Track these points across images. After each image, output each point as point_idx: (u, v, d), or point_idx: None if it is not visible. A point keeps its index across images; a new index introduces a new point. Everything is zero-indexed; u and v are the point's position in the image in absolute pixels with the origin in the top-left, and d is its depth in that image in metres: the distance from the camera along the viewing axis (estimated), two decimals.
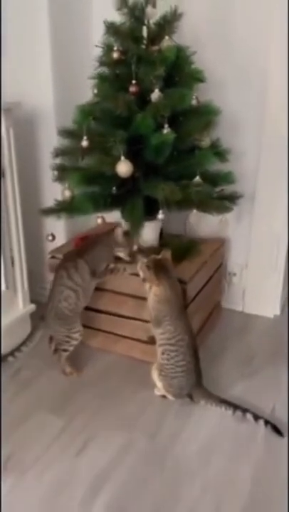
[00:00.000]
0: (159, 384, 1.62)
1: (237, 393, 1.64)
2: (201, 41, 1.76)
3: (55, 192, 1.94)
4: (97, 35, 1.69)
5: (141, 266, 1.56)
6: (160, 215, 1.61)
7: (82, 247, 1.74)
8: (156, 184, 1.58)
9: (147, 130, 1.52)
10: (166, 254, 1.59)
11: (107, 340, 1.90)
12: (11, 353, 1.70)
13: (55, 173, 1.83)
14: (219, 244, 2.06)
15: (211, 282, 1.98)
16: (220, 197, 1.79)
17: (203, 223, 2.02)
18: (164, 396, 1.64)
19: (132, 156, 1.56)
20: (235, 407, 1.54)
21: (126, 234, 1.69)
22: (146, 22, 1.62)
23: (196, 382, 1.58)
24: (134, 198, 1.66)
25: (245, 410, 1.52)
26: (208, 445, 1.44)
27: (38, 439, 1.45)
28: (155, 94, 1.54)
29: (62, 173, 1.79)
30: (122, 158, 1.53)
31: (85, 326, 1.85)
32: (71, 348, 1.73)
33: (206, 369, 1.62)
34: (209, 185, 1.67)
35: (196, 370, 1.58)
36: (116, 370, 1.80)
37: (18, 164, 1.78)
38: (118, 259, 1.74)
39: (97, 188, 1.66)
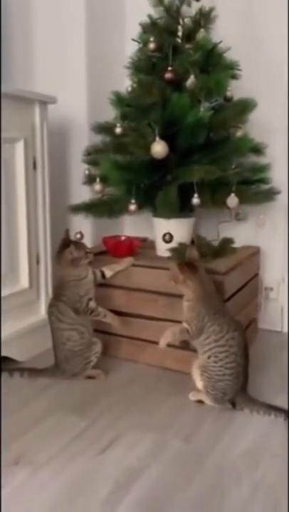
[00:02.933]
0: (199, 384, 1.42)
1: (281, 404, 1.40)
2: (232, 47, 1.79)
3: (83, 195, 1.92)
4: (131, 31, 1.76)
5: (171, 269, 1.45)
6: (195, 200, 1.52)
7: (56, 289, 1.61)
8: (191, 168, 1.52)
9: (183, 110, 1.50)
10: (193, 253, 1.47)
11: (133, 348, 1.72)
12: (12, 370, 1.58)
13: (86, 171, 1.81)
14: (254, 250, 1.94)
15: (246, 289, 1.83)
16: (256, 192, 1.71)
17: (236, 231, 1.95)
18: (200, 401, 1.43)
19: (166, 141, 1.53)
20: (287, 412, 1.33)
21: (77, 247, 1.54)
22: (181, 21, 1.67)
23: (241, 388, 1.39)
24: (168, 186, 1.60)
25: None
26: (255, 449, 1.21)
27: (56, 438, 1.25)
28: (190, 81, 1.54)
29: (94, 169, 1.76)
30: (157, 138, 1.49)
31: (105, 333, 1.72)
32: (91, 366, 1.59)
33: None
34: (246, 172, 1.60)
35: (244, 374, 1.39)
36: (144, 378, 1.61)
37: (50, 160, 1.78)
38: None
39: (130, 175, 1.60)
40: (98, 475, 1.11)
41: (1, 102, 1.50)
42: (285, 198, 1.93)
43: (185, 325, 1.42)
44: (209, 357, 1.37)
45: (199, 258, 1.46)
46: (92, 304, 1.57)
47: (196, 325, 1.39)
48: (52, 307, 1.57)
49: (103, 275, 1.64)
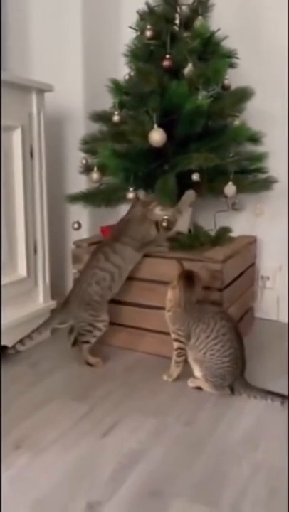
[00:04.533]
0: (197, 373, 1.44)
1: (278, 390, 1.41)
2: (230, 35, 1.78)
3: (80, 185, 1.91)
4: (128, 18, 1.75)
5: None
6: (195, 176, 1.53)
7: (116, 231, 1.65)
8: (189, 156, 1.53)
9: (181, 98, 1.50)
10: (202, 272, 1.50)
11: (132, 337, 1.73)
12: (20, 341, 1.55)
13: (83, 160, 1.80)
14: (251, 240, 1.96)
15: (243, 278, 1.84)
16: (253, 181, 1.72)
17: (233, 221, 1.96)
18: (199, 388, 1.45)
19: (164, 129, 1.53)
20: (284, 397, 1.35)
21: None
22: (178, 9, 1.67)
23: (239, 373, 1.40)
24: (167, 174, 1.60)
25: None
26: (254, 432, 1.23)
27: (56, 423, 1.26)
28: (188, 69, 1.54)
29: (91, 158, 1.76)
30: (155, 126, 1.49)
31: None
32: (93, 340, 1.59)
33: None
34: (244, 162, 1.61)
35: (241, 358, 1.40)
36: (143, 366, 1.62)
37: (46, 149, 1.77)
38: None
39: (128, 163, 1.60)
40: (100, 458, 1.12)
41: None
42: (285, 186, 1.94)
43: (174, 336, 1.47)
44: (205, 353, 1.39)
45: (203, 279, 1.49)
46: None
47: (184, 332, 1.43)
48: (105, 247, 1.59)
49: None
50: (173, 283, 1.46)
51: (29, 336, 1.56)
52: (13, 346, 1.55)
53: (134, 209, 1.64)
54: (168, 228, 1.60)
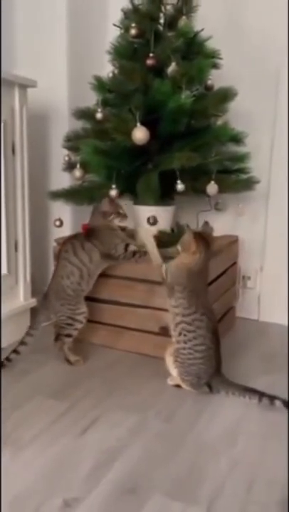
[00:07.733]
0: (173, 372, 1.44)
1: (259, 387, 1.42)
2: (214, 36, 1.79)
3: (63, 182, 1.90)
4: (113, 16, 1.75)
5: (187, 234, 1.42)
6: (179, 186, 1.53)
7: (90, 231, 1.62)
8: (172, 155, 1.53)
9: (165, 96, 1.50)
10: (208, 229, 1.48)
11: (111, 335, 1.73)
12: (14, 351, 1.53)
13: (66, 157, 1.79)
14: (233, 239, 1.97)
15: (225, 277, 1.86)
16: (236, 181, 1.74)
17: (215, 221, 1.96)
18: (178, 386, 1.45)
19: (147, 128, 1.53)
20: (261, 394, 1.36)
21: (111, 200, 1.59)
22: (163, 8, 1.67)
23: (215, 371, 1.40)
24: (149, 173, 1.60)
25: (273, 397, 1.34)
26: (232, 429, 1.24)
27: (37, 421, 1.25)
28: (172, 68, 1.55)
29: (74, 155, 1.75)
30: (138, 124, 1.49)
31: None
32: (75, 333, 1.58)
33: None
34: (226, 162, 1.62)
35: (216, 357, 1.41)
36: (123, 364, 1.62)
37: (29, 146, 1.75)
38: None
39: (111, 161, 1.60)
40: (79, 455, 1.11)
41: None
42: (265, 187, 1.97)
43: (164, 268, 1.45)
44: (180, 334, 1.39)
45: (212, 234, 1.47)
46: (133, 247, 1.60)
47: (171, 282, 1.42)
48: (75, 240, 1.58)
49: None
50: (189, 248, 1.40)
51: (22, 343, 1.54)
52: (7, 358, 1.53)
53: (95, 218, 1.61)
54: (152, 224, 1.60)
